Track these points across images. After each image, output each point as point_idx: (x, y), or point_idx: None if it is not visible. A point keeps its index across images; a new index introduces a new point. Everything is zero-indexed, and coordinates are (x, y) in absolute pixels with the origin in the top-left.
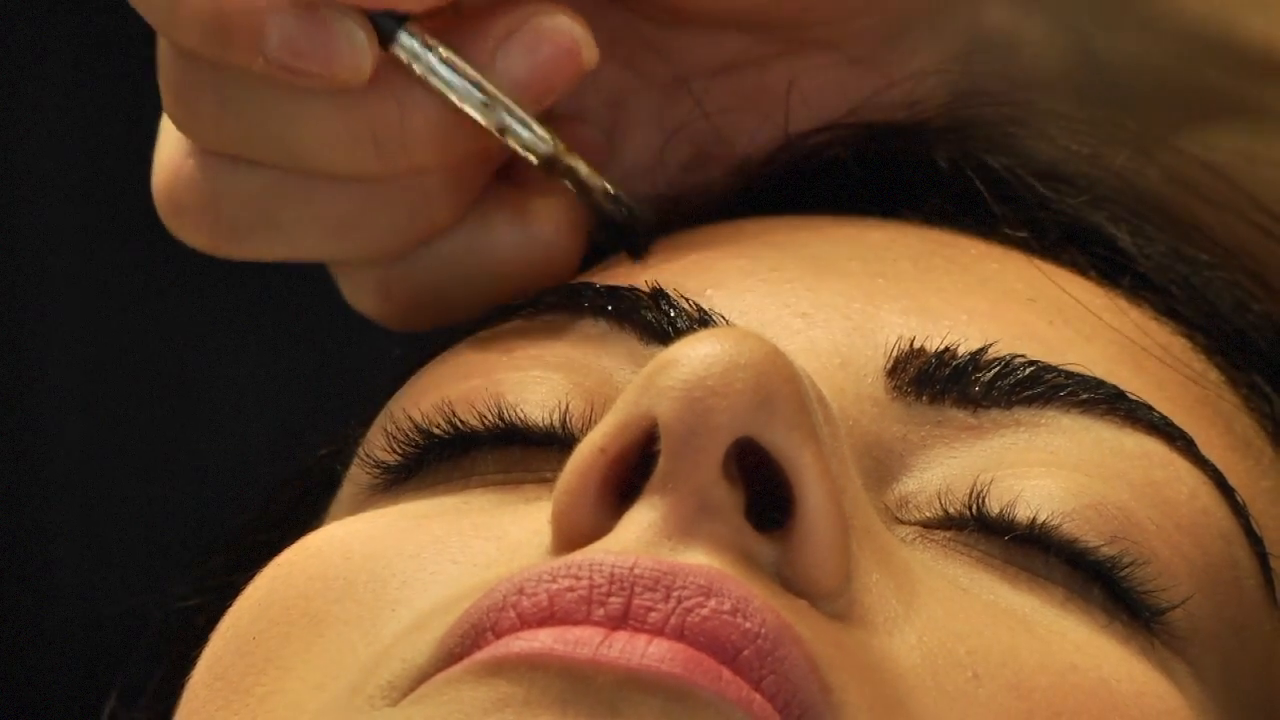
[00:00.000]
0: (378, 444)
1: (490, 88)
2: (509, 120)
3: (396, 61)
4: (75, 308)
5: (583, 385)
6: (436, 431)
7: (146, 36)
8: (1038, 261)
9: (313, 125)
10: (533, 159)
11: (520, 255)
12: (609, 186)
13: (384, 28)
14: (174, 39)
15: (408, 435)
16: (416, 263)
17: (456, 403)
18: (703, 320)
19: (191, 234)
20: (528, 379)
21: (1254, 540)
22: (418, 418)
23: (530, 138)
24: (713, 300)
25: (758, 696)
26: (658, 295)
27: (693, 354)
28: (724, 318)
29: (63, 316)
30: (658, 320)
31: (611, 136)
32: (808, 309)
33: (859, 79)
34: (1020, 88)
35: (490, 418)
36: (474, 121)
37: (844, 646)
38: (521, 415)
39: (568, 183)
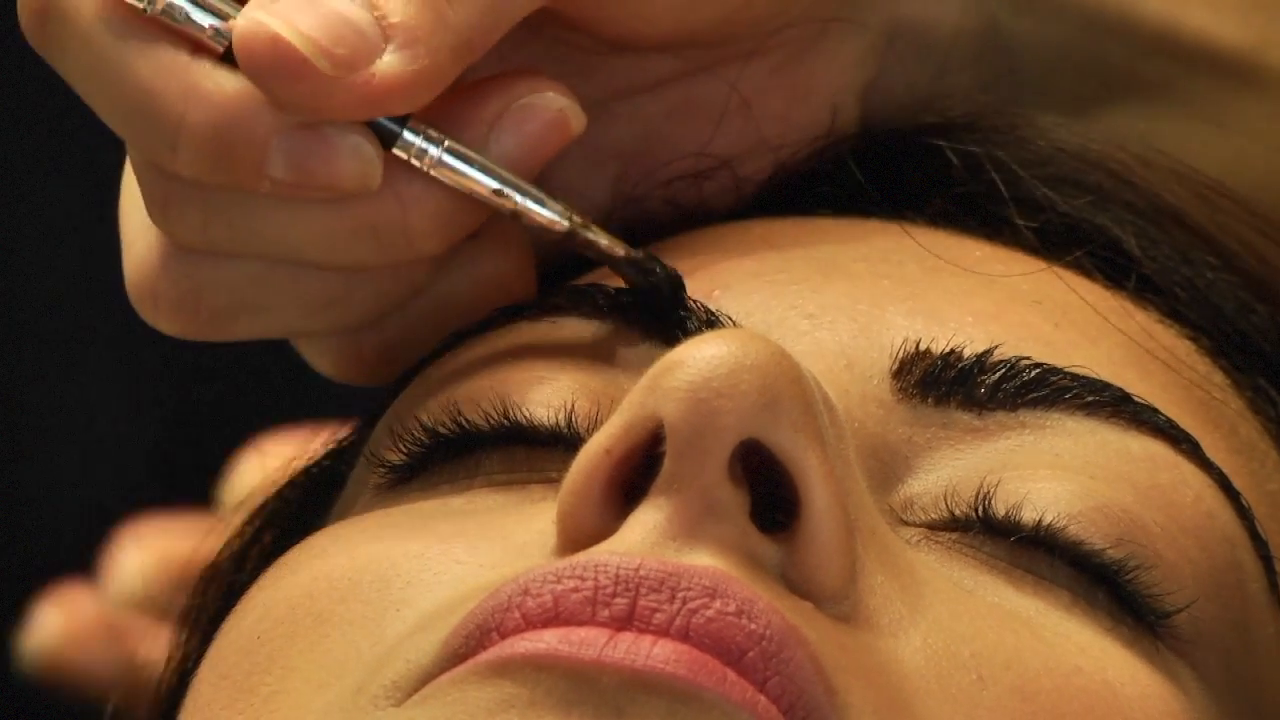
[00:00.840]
0: (383, 444)
1: (501, 172)
2: (522, 202)
3: (394, 158)
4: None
5: (588, 386)
6: (442, 431)
7: None
8: (1043, 263)
9: (311, 228)
10: (551, 235)
11: (481, 294)
12: (630, 252)
13: (385, 130)
14: (173, 169)
15: (413, 435)
16: (386, 324)
17: (462, 402)
18: (709, 321)
19: (169, 324)
20: (533, 379)
21: (1259, 543)
22: (424, 417)
23: (547, 215)
24: (719, 301)
25: (762, 698)
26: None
27: (699, 355)
28: (730, 319)
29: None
30: (664, 321)
31: None
32: (814, 310)
33: (785, 84)
34: (936, 74)
35: (496, 417)
36: (475, 205)
37: (848, 648)
38: (527, 415)
39: (590, 254)
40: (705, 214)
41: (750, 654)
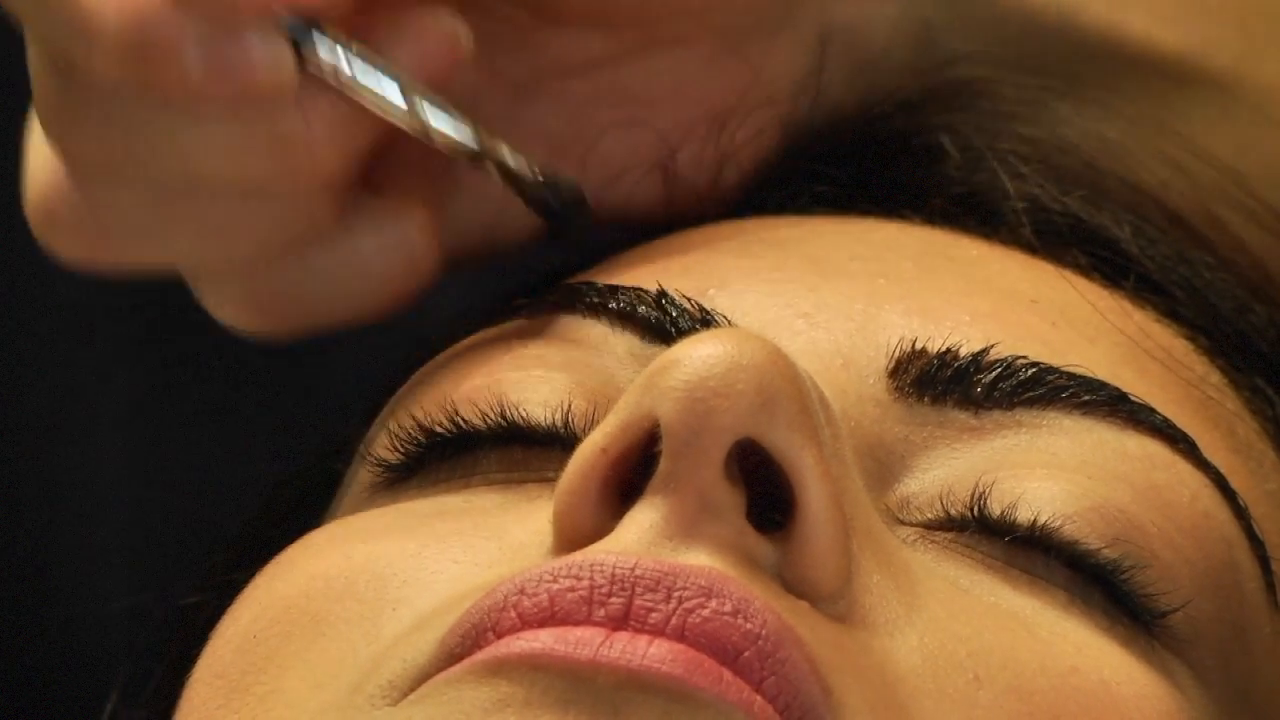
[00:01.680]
0: (380, 442)
1: (409, 80)
2: (429, 115)
3: (301, 69)
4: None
5: (585, 385)
6: (439, 430)
7: None
8: (1040, 262)
9: (210, 140)
10: (458, 153)
11: (385, 260)
12: (537, 170)
13: (296, 33)
14: (88, 66)
15: (410, 434)
16: (285, 273)
17: (459, 401)
18: (705, 320)
19: (66, 247)
20: (530, 378)
21: (1255, 543)
22: (420, 416)
23: (455, 130)
24: (715, 300)
25: (758, 698)
26: (660, 295)
27: (695, 354)
28: (726, 318)
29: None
30: (660, 320)
31: None
32: (810, 309)
33: (718, 76)
34: (871, 75)
35: (493, 417)
36: (374, 118)
37: (845, 648)
38: (524, 414)
39: (495, 172)
40: (629, 211)
41: (746, 654)
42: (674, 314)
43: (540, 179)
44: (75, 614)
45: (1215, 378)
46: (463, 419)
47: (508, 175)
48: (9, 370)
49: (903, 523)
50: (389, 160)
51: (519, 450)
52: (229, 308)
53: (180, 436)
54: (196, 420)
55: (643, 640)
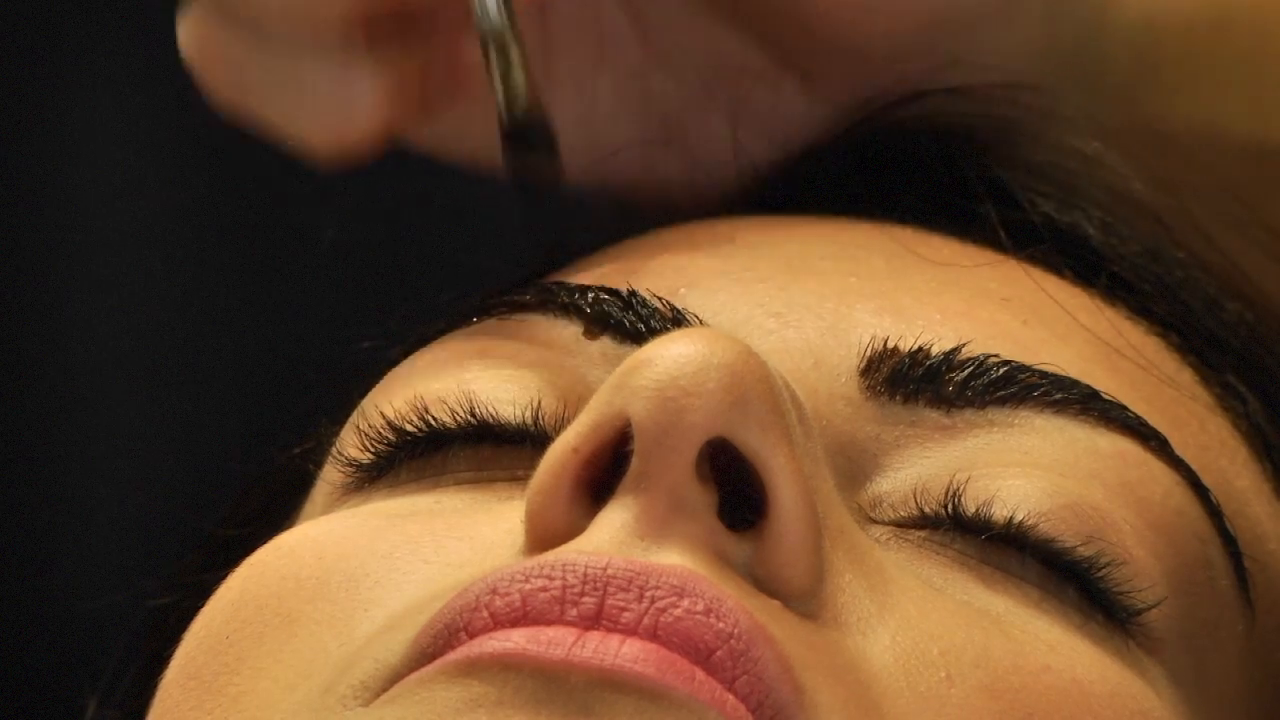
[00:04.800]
0: (350, 443)
1: None
2: None
3: None
4: (97, 302)
5: (556, 384)
6: (409, 429)
7: None
8: (1012, 261)
9: None
10: (480, 19)
11: (329, 101)
12: (531, 88)
13: None
14: None
15: (380, 433)
16: (247, 52)
17: (429, 401)
18: (676, 320)
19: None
20: (500, 377)
21: (1228, 541)
22: (390, 415)
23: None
24: (686, 300)
25: (730, 697)
26: (631, 295)
27: (666, 354)
28: (697, 318)
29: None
30: (631, 320)
31: (574, 73)
32: (781, 309)
33: (811, 114)
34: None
35: (462, 415)
36: None
37: (816, 647)
38: (494, 414)
39: (494, 63)
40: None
41: (718, 653)
42: (645, 314)
43: (528, 106)
44: (61, 612)
45: (1187, 375)
46: (433, 418)
47: (504, 71)
48: (11, 371)
49: (875, 521)
50: (406, 26)
51: (490, 449)
52: (192, 27)
53: (183, 435)
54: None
55: (615, 640)
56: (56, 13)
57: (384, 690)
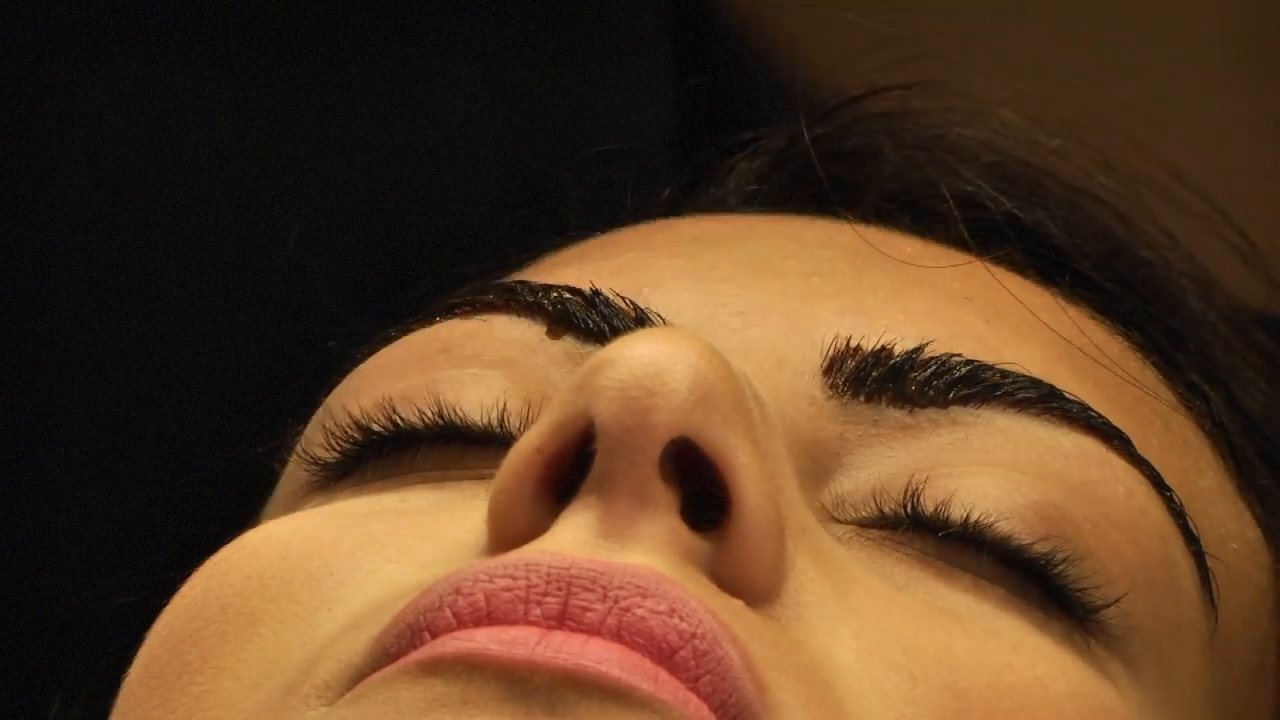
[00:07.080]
0: (316, 441)
1: None
2: None
3: None
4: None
5: (520, 384)
6: (376, 428)
7: None
8: (975, 260)
9: None
10: None
11: None
12: None
13: None
14: None
15: (346, 432)
16: None
17: (396, 400)
18: (639, 319)
19: None
20: (465, 377)
21: (1191, 539)
22: (357, 414)
23: None
24: (649, 300)
25: (694, 697)
26: (594, 295)
27: (629, 354)
28: (661, 317)
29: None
30: (594, 319)
31: None
32: (744, 308)
33: None
34: None
35: (430, 416)
36: None
37: (780, 646)
38: (460, 414)
39: None
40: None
41: (681, 652)
42: (608, 313)
43: None
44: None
45: (1150, 374)
46: (400, 417)
47: None
48: (12, 371)
49: (837, 520)
50: None
51: (457, 449)
52: None
53: (182, 435)
54: (197, 419)
55: (578, 639)
56: (56, 12)
57: (347, 690)
